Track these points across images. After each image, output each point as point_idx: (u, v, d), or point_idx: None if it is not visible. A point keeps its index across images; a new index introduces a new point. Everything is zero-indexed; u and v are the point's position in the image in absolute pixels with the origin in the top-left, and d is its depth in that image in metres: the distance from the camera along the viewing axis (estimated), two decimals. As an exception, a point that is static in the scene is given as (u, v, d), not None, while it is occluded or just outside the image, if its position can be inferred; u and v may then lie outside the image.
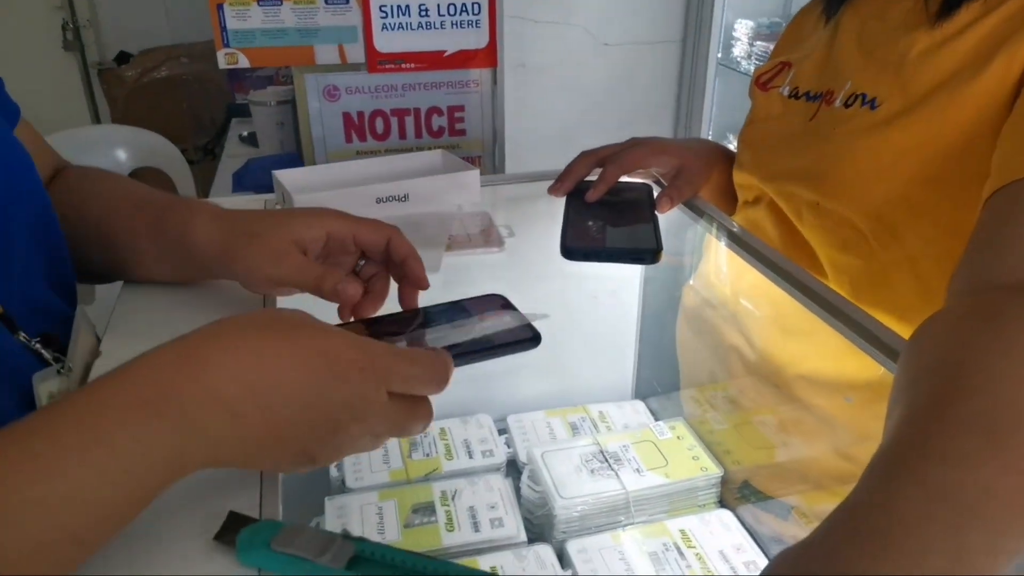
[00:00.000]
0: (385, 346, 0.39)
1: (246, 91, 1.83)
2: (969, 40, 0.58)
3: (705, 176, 0.80)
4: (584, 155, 0.79)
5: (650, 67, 2.28)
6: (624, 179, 0.79)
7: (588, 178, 0.78)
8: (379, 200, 0.74)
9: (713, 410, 0.86)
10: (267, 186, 0.80)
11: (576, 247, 0.65)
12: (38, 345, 0.49)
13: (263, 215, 0.54)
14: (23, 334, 0.49)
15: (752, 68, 2.19)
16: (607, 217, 0.72)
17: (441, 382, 0.39)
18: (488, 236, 0.70)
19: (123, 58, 3.32)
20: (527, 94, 2.21)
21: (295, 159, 1.45)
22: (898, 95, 0.61)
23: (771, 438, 0.80)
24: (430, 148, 1.45)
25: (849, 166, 0.64)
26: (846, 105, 0.66)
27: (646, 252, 0.66)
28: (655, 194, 0.77)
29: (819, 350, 0.68)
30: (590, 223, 0.70)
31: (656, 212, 0.73)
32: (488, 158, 1.48)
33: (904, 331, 0.48)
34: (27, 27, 3.22)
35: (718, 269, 0.81)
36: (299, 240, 0.51)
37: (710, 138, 2.26)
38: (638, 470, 0.78)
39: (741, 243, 0.68)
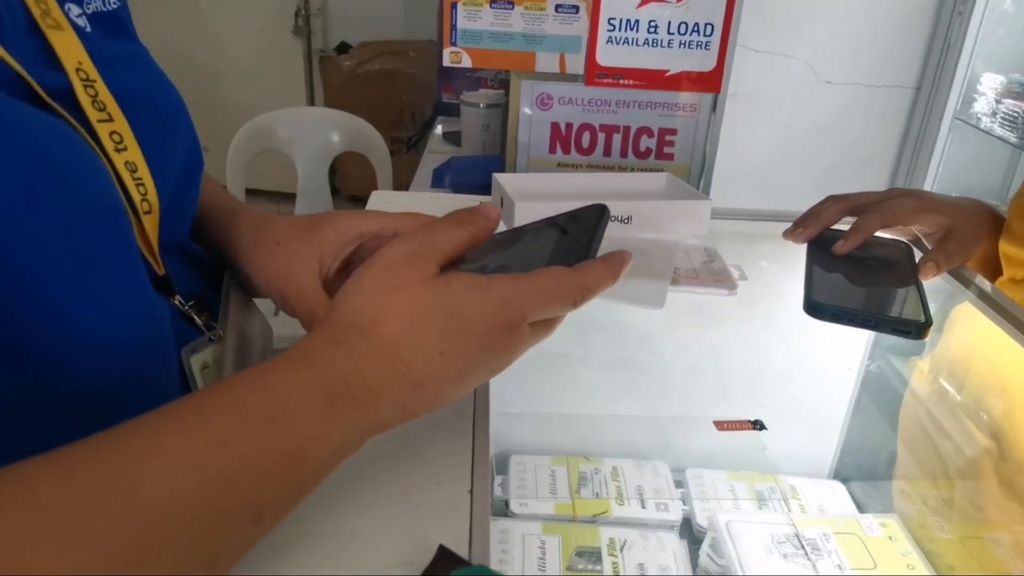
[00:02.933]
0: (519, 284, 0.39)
1: (454, 92, 1.87)
2: None
3: (977, 245, 0.69)
4: (834, 200, 0.70)
5: (874, 113, 2.09)
6: (877, 234, 0.69)
7: (834, 227, 0.69)
8: (601, 217, 0.69)
9: (934, 514, 0.74)
10: (466, 185, 0.78)
11: (825, 304, 0.57)
12: (191, 311, 0.49)
13: (295, 222, 0.52)
14: (179, 298, 0.49)
15: (995, 127, 1.95)
16: (860, 273, 0.63)
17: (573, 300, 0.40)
18: (719, 276, 0.63)
19: (343, 48, 3.55)
20: (734, 124, 2.09)
21: (496, 163, 1.44)
22: None
23: (1008, 563, 0.67)
24: (634, 168, 1.40)
25: None
26: None
27: (912, 324, 0.56)
28: (916, 257, 0.67)
29: None
30: (840, 278, 0.62)
31: (919, 277, 0.63)
32: (693, 185, 1.40)
33: None
34: (263, 10, 3.52)
35: (973, 349, 0.69)
36: (322, 250, 0.49)
37: (932, 197, 2.05)
38: (840, 566, 0.68)
39: (1017, 323, 0.57)
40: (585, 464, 0.78)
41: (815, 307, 0.57)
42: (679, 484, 0.79)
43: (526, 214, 0.68)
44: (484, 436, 0.42)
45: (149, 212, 0.48)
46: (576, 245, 0.42)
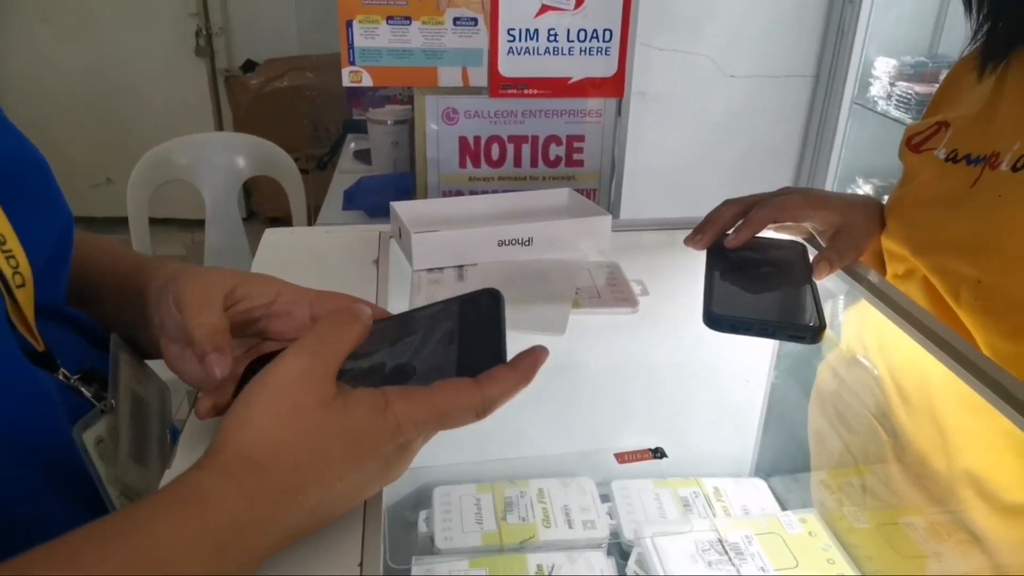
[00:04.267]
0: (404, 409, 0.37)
1: (364, 108, 1.83)
2: None
3: (868, 240, 0.71)
4: (729, 203, 0.70)
5: (777, 102, 2.16)
6: (773, 235, 0.70)
7: (732, 231, 0.70)
8: (501, 243, 0.68)
9: (851, 503, 0.76)
10: (377, 207, 0.76)
11: (724, 316, 0.57)
12: (78, 383, 0.46)
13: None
14: (63, 371, 0.46)
15: (891, 109, 2.03)
16: (757, 280, 0.64)
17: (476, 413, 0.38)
18: (620, 293, 0.63)
19: (249, 66, 3.46)
20: (645, 124, 2.13)
21: (407, 180, 1.42)
22: None
23: (922, 545, 0.69)
24: (545, 179, 1.40)
25: (1019, 238, 0.55)
26: (1014, 169, 0.57)
27: (806, 330, 0.57)
28: (810, 256, 0.68)
29: (991, 448, 0.57)
30: (737, 287, 0.62)
31: (813, 277, 0.64)
32: (604, 192, 1.41)
33: None
34: (163, 32, 3.39)
35: (869, 343, 0.71)
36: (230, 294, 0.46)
37: (835, 182, 2.11)
38: (763, 568, 0.68)
39: (909, 316, 0.58)
40: (511, 488, 0.77)
41: (714, 320, 0.57)
42: (605, 498, 0.78)
43: (424, 245, 0.66)
44: (376, 505, 0.40)
45: (23, 285, 0.44)
46: (481, 346, 0.39)
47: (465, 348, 0.39)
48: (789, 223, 0.70)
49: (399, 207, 0.73)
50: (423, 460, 0.81)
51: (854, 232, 0.69)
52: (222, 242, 1.74)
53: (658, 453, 0.71)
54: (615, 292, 0.63)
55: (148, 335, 0.50)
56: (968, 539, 0.62)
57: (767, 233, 0.70)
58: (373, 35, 1.26)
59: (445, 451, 0.76)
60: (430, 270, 0.67)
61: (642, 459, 0.73)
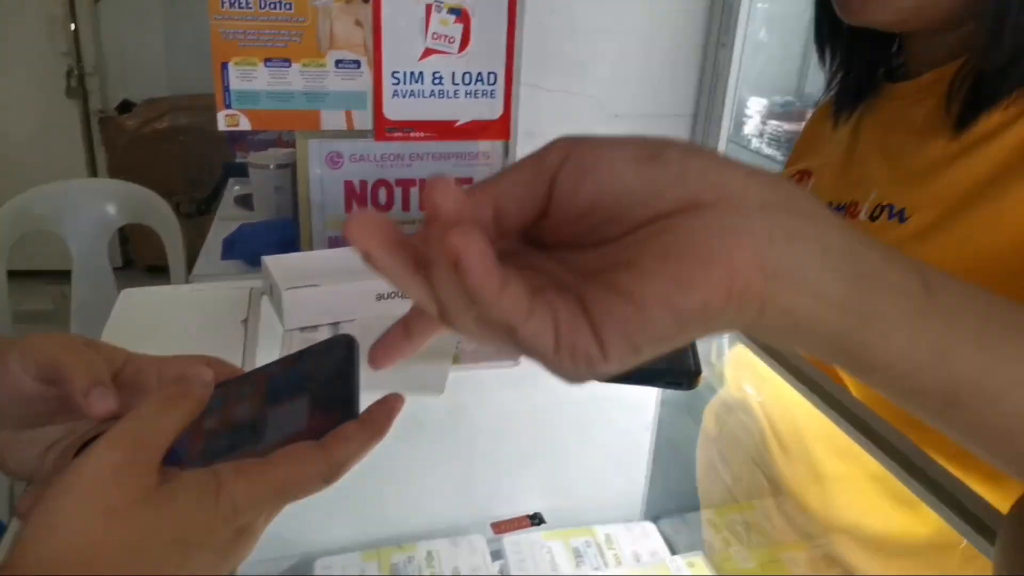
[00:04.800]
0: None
1: (247, 150, 1.77)
2: (1000, 148, 0.52)
3: None
4: None
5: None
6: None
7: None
8: (380, 297, 0.65)
9: (736, 542, 0.76)
10: (258, 255, 0.72)
11: None
12: None
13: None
14: None
15: (763, 147, 2.15)
16: None
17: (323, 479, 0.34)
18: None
19: (125, 107, 3.29)
20: (536, 162, 2.15)
21: (289, 225, 1.37)
22: (929, 205, 0.54)
23: None
24: (435, 220, 1.39)
25: None
26: (872, 218, 0.59)
27: (683, 375, 0.57)
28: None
29: (862, 487, 0.59)
30: None
31: None
32: (495, 233, 1.41)
33: (976, 481, 0.40)
34: (31, 72, 3.19)
35: (751, 390, 0.72)
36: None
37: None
38: (653, 617, 0.68)
39: (782, 360, 0.59)
40: (398, 553, 0.73)
41: None
42: (497, 555, 0.76)
43: (295, 302, 0.63)
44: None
45: None
46: (331, 401, 0.36)
47: (314, 405, 0.36)
48: None
49: (270, 261, 0.70)
50: (300, 530, 0.76)
51: None
52: (91, 296, 1.62)
53: (536, 519, 0.70)
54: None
55: None
56: (842, 572, 0.63)
57: None
58: (250, 77, 1.21)
59: (325, 517, 0.72)
60: (303, 328, 0.63)
61: (520, 527, 0.71)
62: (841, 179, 0.65)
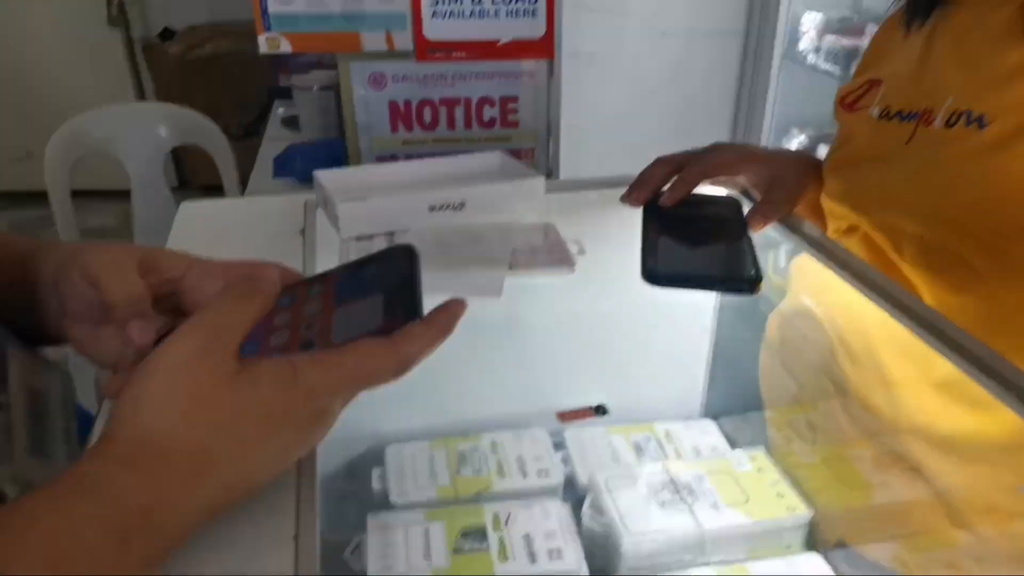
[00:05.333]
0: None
1: (290, 73, 1.76)
2: None
3: (801, 190, 0.71)
4: (660, 161, 0.70)
5: (709, 59, 2.16)
6: (707, 191, 0.70)
7: (667, 187, 0.69)
8: (432, 208, 0.66)
9: (799, 440, 0.77)
10: (309, 173, 0.73)
11: (661, 271, 0.57)
12: None
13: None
14: None
15: (820, 63, 2.06)
16: (693, 235, 0.63)
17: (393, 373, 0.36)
18: (556, 254, 0.61)
19: (167, 35, 3.30)
20: (580, 84, 2.11)
21: (338, 145, 1.37)
22: (1010, 112, 0.52)
23: (868, 477, 0.71)
24: (480, 140, 1.37)
25: (960, 194, 0.55)
26: (948, 125, 0.57)
27: (744, 281, 0.57)
28: (744, 211, 0.68)
29: (941, 403, 0.58)
30: (674, 242, 0.62)
31: (749, 231, 0.64)
32: (542, 151, 1.39)
33: None
34: (72, 2, 3.20)
35: (816, 297, 0.72)
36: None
37: (770, 134, 2.14)
38: (715, 505, 0.70)
39: (849, 267, 0.58)
40: (464, 443, 0.77)
41: (653, 275, 0.57)
42: (559, 447, 0.78)
43: (350, 213, 0.64)
44: (310, 473, 0.38)
45: None
46: (396, 303, 0.38)
47: (379, 306, 0.38)
48: (723, 178, 0.70)
49: (323, 176, 0.70)
50: (374, 418, 0.80)
51: (786, 184, 0.69)
52: (151, 214, 1.67)
53: (600, 410, 0.71)
54: (552, 253, 0.62)
55: (43, 321, 0.46)
56: (909, 469, 0.64)
57: (701, 189, 0.70)
58: (288, 1, 1.20)
59: (396, 408, 0.76)
60: (359, 238, 0.64)
61: (584, 417, 0.72)
62: (914, 86, 0.63)
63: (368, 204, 0.64)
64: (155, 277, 0.43)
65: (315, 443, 0.38)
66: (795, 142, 2.15)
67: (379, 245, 0.63)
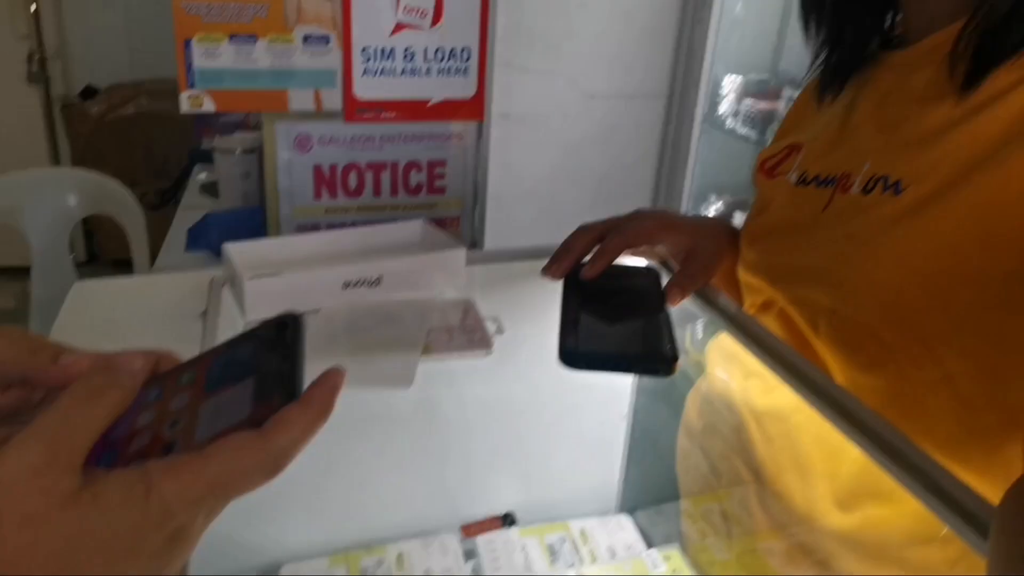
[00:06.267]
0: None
1: (214, 135, 1.72)
2: (1005, 111, 0.49)
3: (718, 261, 0.71)
4: (582, 229, 0.68)
5: (634, 121, 2.21)
6: (628, 262, 0.69)
7: (588, 258, 0.68)
8: (347, 284, 0.62)
9: (714, 534, 0.75)
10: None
11: (578, 353, 0.55)
12: None
13: None
14: None
15: (738, 127, 2.13)
16: (612, 311, 0.62)
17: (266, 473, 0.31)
18: (473, 335, 0.59)
19: (89, 93, 3.20)
20: (510, 147, 2.12)
21: (257, 214, 1.33)
22: (926, 177, 0.51)
23: (779, 568, 0.69)
24: (406, 207, 1.35)
25: (872, 265, 0.53)
26: (865, 191, 0.56)
27: (660, 362, 0.55)
28: (664, 281, 0.67)
29: (853, 492, 0.57)
30: (592, 320, 0.60)
31: (667, 305, 0.63)
32: (467, 219, 1.38)
33: (967, 474, 0.39)
34: (-12, 58, 3.09)
35: (733, 377, 0.71)
36: None
37: (690, 199, 2.19)
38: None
39: (764, 346, 0.58)
40: (368, 556, 0.71)
41: (568, 357, 0.55)
42: (470, 554, 0.73)
43: (258, 292, 0.60)
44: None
45: None
46: (273, 384, 0.33)
47: (256, 390, 0.33)
48: (643, 247, 0.69)
49: (233, 249, 0.67)
50: (265, 534, 0.73)
51: (703, 254, 0.68)
52: (51, 294, 1.56)
53: (508, 520, 0.68)
54: (469, 334, 0.59)
55: None
56: (818, 563, 0.62)
57: (623, 258, 0.68)
58: (215, 55, 1.17)
59: (290, 520, 0.69)
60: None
61: (492, 528, 0.69)
62: (833, 151, 0.62)
63: (277, 281, 0.61)
64: None
65: (174, 571, 0.33)
66: (713, 208, 2.21)
67: (288, 326, 0.60)
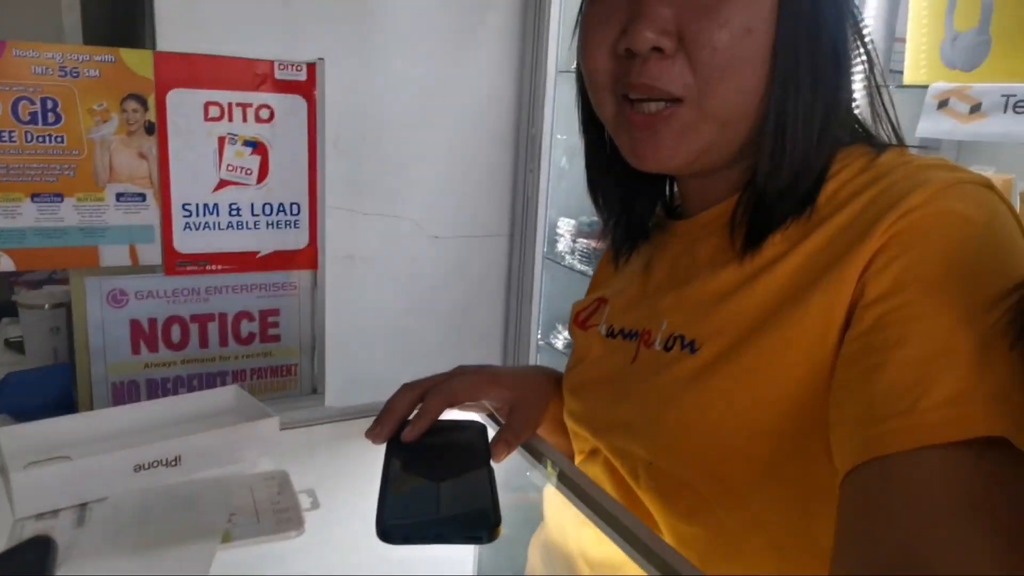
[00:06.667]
0: None
1: (25, 287, 1.59)
2: (780, 275, 0.53)
3: (544, 412, 0.71)
4: (405, 388, 0.67)
5: (481, 259, 2.28)
6: (454, 416, 0.68)
7: (411, 418, 0.66)
8: (139, 467, 0.57)
9: None
10: (29, 408, 0.62)
11: (395, 527, 0.52)
12: None
13: None
14: None
15: (576, 263, 2.25)
16: (434, 473, 0.60)
17: None
18: (283, 514, 0.55)
19: None
20: (357, 287, 2.11)
21: (66, 372, 1.22)
22: (717, 337, 0.55)
23: None
24: (238, 357, 1.29)
25: (678, 421, 0.56)
26: (666, 348, 0.59)
27: (482, 530, 0.53)
28: (491, 435, 0.66)
29: None
30: (414, 487, 0.57)
31: (492, 462, 0.62)
32: (305, 367, 1.33)
33: None
34: None
35: (564, 531, 0.70)
36: None
37: (539, 331, 2.26)
38: None
39: (587, 499, 0.57)
40: None
41: (386, 532, 0.52)
42: None
43: (29, 484, 0.53)
44: None
45: None
46: None
47: None
48: (467, 403, 0.69)
49: (3, 434, 0.59)
50: None
51: (528, 407, 0.69)
52: None
53: None
54: (278, 513, 0.55)
55: None
56: None
57: (449, 413, 0.68)
58: (13, 214, 1.09)
59: None
60: (40, 516, 0.53)
61: None
62: (635, 307, 0.66)
63: (51, 471, 0.54)
64: None
65: None
66: (560, 340, 2.29)
67: (65, 523, 0.53)
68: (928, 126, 1.12)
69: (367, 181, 2.09)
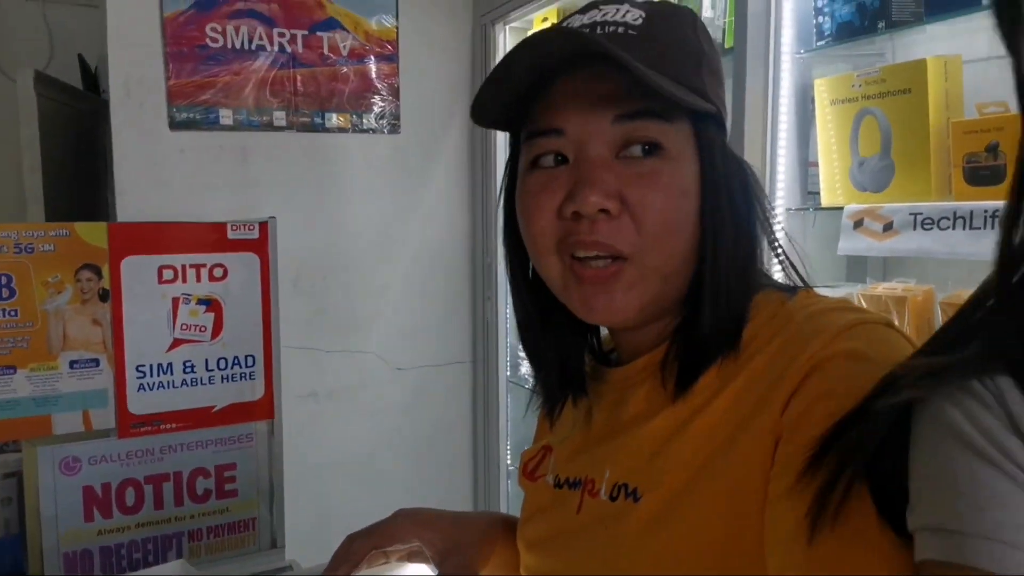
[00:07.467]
0: None
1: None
2: (711, 418, 0.55)
3: (485, 558, 0.71)
4: (351, 538, 0.68)
5: (445, 386, 2.30)
6: (405, 571, 0.69)
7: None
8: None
9: None
10: None
11: None
12: None
13: None
14: None
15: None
16: None
17: None
18: None
19: None
20: (322, 422, 2.11)
21: (16, 544, 1.19)
22: (658, 486, 0.56)
23: None
24: (194, 516, 1.27)
25: (629, 568, 0.56)
26: (612, 498, 0.59)
27: None
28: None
29: None
30: None
31: None
32: (264, 520, 1.31)
33: None
34: None
35: None
36: None
37: (509, 454, 2.24)
38: None
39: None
40: None
41: None
42: None
43: None
44: None
45: None
46: None
47: None
48: (395, 547, 0.69)
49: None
50: None
51: (466, 551, 0.69)
52: None
53: None
54: None
55: None
56: None
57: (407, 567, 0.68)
58: (-34, 390, 1.10)
59: None
60: None
61: None
62: (578, 456, 0.66)
63: None
64: None
65: None
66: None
67: None
68: (848, 245, 1.20)
69: (328, 319, 2.12)
